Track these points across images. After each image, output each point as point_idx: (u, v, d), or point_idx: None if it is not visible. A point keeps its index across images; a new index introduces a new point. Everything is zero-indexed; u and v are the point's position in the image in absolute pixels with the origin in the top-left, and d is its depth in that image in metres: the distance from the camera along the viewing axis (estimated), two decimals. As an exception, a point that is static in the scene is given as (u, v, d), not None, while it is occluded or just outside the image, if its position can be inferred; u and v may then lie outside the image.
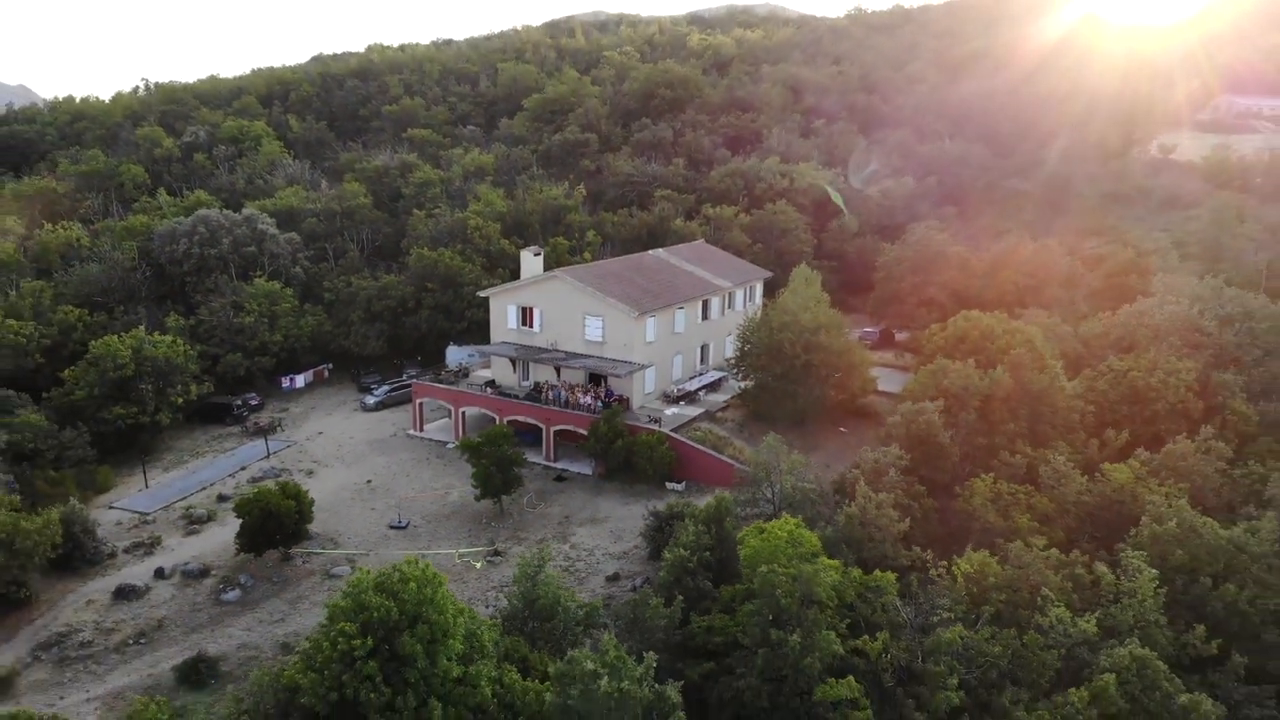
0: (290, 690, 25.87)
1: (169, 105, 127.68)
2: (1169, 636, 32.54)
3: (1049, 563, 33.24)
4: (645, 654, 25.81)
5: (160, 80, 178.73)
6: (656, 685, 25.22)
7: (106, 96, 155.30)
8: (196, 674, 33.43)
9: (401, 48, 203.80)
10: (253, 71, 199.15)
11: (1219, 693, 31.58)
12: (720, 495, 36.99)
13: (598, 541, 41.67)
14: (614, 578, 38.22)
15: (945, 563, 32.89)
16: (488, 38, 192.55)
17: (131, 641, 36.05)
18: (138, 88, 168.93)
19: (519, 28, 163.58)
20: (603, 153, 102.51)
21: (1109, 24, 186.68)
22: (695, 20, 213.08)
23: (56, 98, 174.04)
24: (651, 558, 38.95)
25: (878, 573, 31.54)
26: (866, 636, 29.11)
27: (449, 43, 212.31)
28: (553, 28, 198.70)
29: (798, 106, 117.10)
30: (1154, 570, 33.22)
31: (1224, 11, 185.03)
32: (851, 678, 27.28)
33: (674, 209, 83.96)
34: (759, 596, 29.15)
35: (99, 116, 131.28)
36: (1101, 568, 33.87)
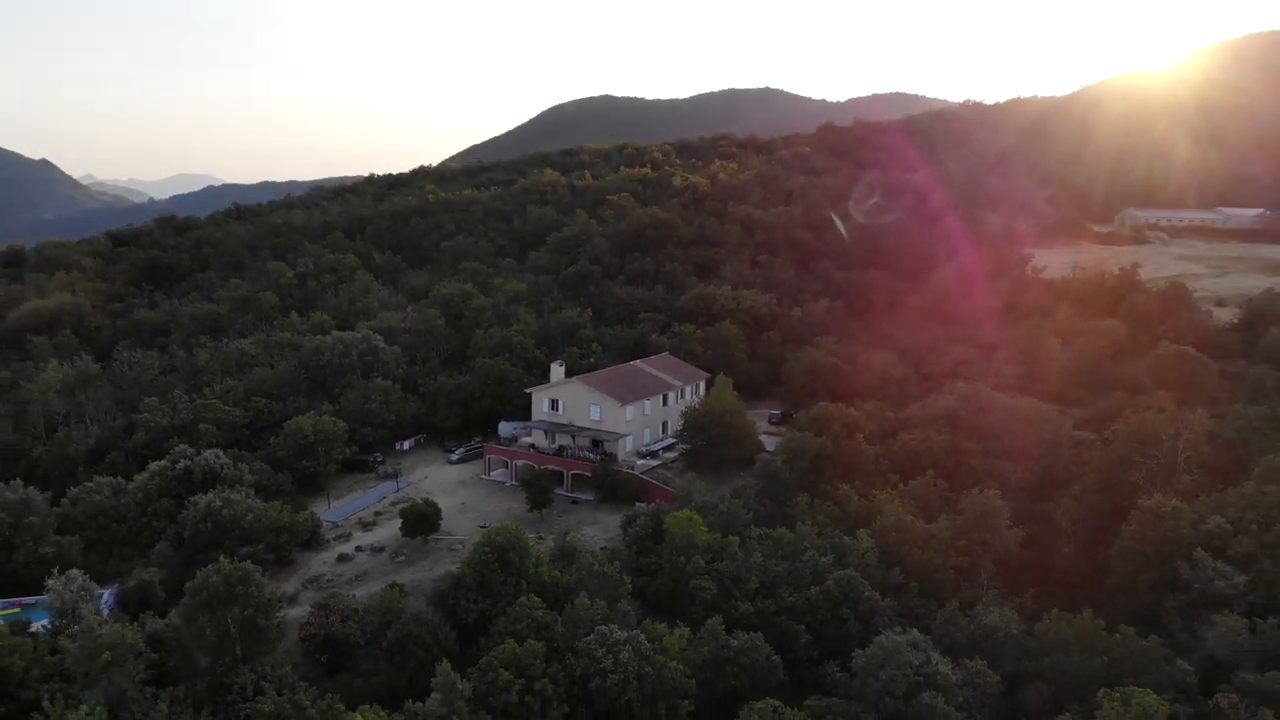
0: (457, 577, 56.67)
1: (277, 238, 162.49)
2: (880, 572, 62.97)
3: (817, 534, 64.08)
4: (614, 562, 56.71)
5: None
6: (618, 575, 56.08)
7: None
8: (391, 594, 63.86)
9: (441, 174, 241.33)
10: (315, 186, 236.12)
11: (903, 600, 61.74)
12: (660, 504, 67.95)
13: (596, 533, 72.41)
14: (604, 548, 68.89)
15: (765, 532, 63.82)
16: (515, 168, 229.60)
17: (353, 579, 66.75)
18: (232, 213, 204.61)
19: (541, 173, 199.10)
20: (604, 279, 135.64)
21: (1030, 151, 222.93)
22: (683, 149, 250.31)
23: (169, 216, 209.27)
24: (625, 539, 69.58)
25: (730, 536, 62.50)
26: (719, 562, 59.86)
27: (482, 168, 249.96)
28: (567, 160, 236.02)
29: (751, 241, 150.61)
30: (872, 540, 63.95)
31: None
32: (709, 578, 58.00)
33: (653, 326, 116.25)
34: (669, 543, 59.99)
35: (219, 243, 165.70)
36: (847, 537, 64.62)
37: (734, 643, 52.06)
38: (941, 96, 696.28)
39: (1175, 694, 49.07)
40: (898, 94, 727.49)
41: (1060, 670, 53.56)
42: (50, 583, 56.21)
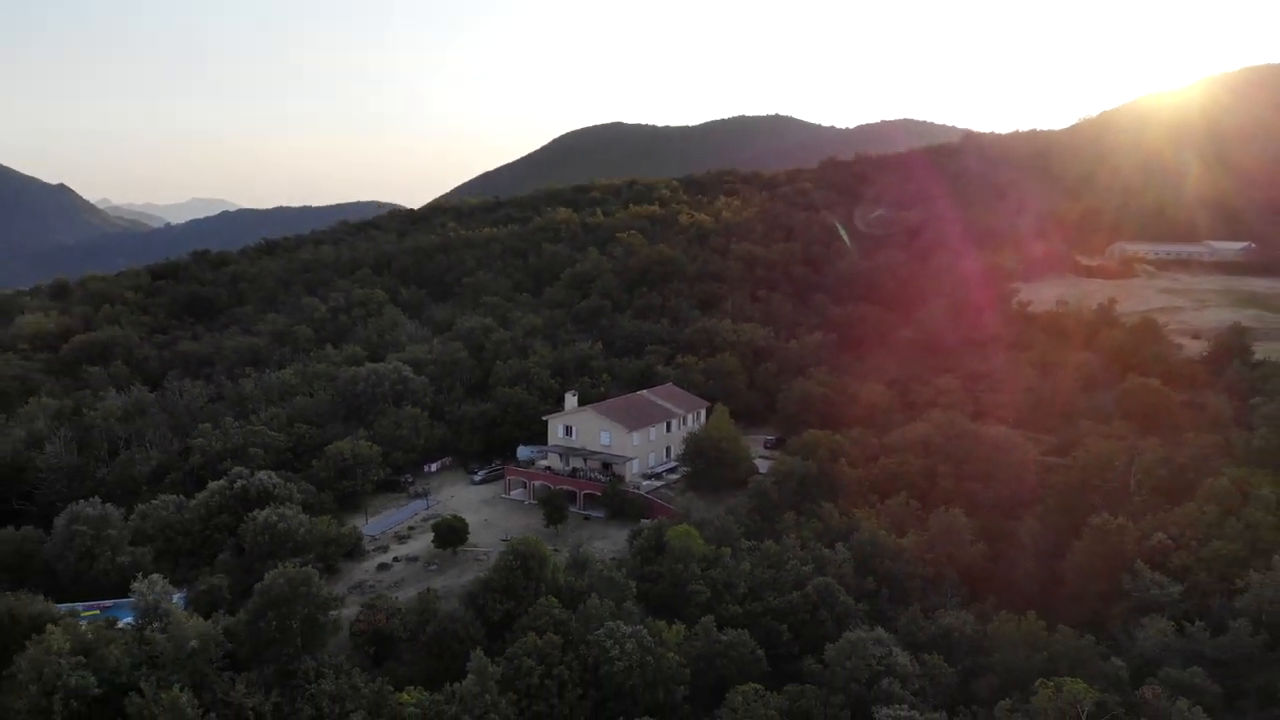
0: (486, 581, 65.09)
1: (308, 273, 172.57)
2: (855, 580, 70.94)
3: (800, 546, 72.25)
4: (621, 570, 65.09)
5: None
6: (624, 580, 64.45)
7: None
8: (428, 596, 72.21)
9: (460, 210, 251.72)
10: (329, 211, 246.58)
11: (874, 604, 69.54)
12: (662, 520, 76.32)
13: (605, 545, 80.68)
14: (612, 558, 77.19)
15: (754, 544, 72.03)
16: (530, 204, 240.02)
17: (392, 585, 75.17)
18: (263, 248, 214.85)
19: (555, 210, 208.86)
20: (614, 313, 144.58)
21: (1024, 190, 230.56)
22: (690, 184, 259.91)
23: (203, 250, 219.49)
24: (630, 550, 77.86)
25: (723, 548, 70.79)
26: (713, 570, 68.14)
27: (499, 204, 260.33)
28: (579, 196, 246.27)
29: (751, 276, 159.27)
30: (850, 552, 72.04)
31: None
32: (704, 583, 66.25)
33: (658, 358, 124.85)
34: (670, 553, 68.34)
35: (254, 279, 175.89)
36: (827, 550, 72.74)
37: (724, 638, 60.18)
38: (951, 123, 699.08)
39: (1108, 686, 56.43)
40: (907, 120, 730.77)
41: (1008, 665, 61.06)
42: (135, 585, 64.80)
